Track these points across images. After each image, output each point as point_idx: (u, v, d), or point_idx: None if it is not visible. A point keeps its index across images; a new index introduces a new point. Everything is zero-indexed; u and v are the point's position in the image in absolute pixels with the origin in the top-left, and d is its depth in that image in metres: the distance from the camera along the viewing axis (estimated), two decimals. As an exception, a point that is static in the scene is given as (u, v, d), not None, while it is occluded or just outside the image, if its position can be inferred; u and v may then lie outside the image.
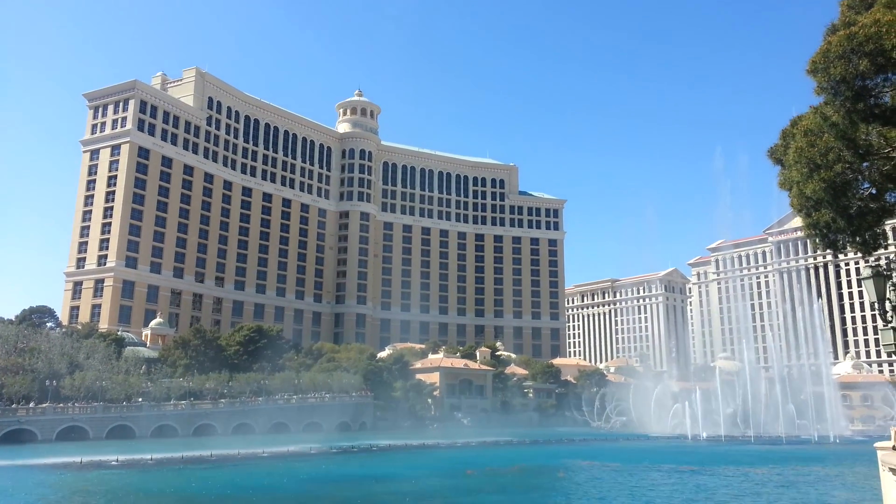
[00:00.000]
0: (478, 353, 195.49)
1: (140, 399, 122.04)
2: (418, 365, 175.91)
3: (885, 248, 26.69)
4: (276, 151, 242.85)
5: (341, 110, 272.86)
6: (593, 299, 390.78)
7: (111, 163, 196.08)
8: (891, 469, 17.33)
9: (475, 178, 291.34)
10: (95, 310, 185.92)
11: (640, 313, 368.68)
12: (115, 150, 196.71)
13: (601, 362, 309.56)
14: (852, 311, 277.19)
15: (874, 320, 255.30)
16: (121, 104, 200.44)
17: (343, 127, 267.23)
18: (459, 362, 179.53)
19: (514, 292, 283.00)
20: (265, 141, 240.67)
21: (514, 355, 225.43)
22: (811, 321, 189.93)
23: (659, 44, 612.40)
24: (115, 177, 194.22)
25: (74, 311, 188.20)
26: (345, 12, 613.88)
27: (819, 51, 20.63)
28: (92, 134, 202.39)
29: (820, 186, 22.35)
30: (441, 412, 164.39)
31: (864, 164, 22.71)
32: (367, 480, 60.40)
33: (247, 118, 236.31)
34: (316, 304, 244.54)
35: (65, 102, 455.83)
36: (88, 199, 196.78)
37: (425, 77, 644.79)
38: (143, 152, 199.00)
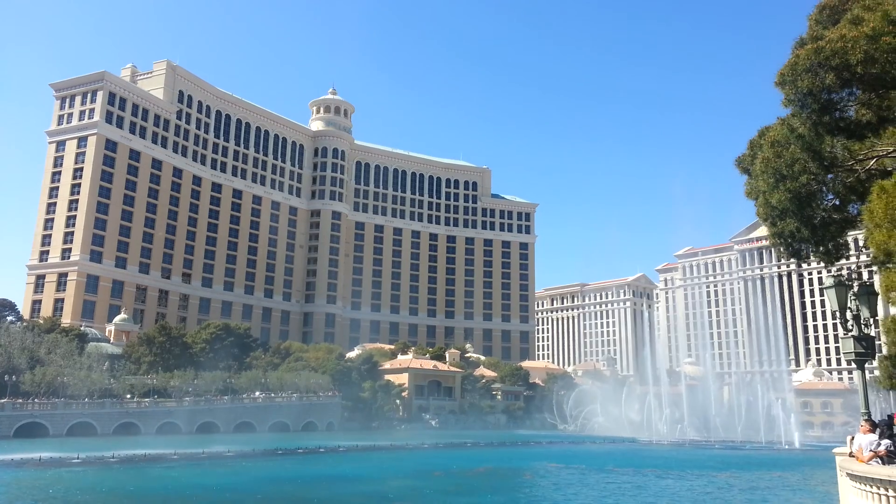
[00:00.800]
0: (447, 355, 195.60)
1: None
2: (387, 365, 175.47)
3: (847, 258, 27.37)
4: (247, 148, 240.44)
5: (314, 108, 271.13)
6: (562, 303, 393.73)
7: (77, 155, 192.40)
8: (848, 474, 17.78)
9: (448, 180, 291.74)
10: (58, 304, 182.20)
11: (607, 318, 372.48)
12: (82, 141, 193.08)
13: (569, 365, 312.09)
14: (814, 319, 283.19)
15: (835, 329, 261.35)
16: (89, 95, 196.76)
17: (316, 125, 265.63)
18: (428, 363, 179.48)
19: (484, 294, 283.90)
20: (236, 137, 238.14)
21: (483, 357, 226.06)
22: (774, 329, 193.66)
23: (636, 46, 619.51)
24: (82, 169, 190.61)
25: (36, 304, 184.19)
26: (319, 9, 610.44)
27: (787, 63, 21.09)
28: (58, 125, 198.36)
29: (785, 196, 22.85)
30: (409, 413, 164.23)
31: (829, 175, 23.25)
32: (334, 481, 60.06)
33: (218, 113, 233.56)
34: (285, 303, 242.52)
35: (31, 92, 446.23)
36: (53, 192, 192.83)
37: (400, 78, 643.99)
38: (111, 145, 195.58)
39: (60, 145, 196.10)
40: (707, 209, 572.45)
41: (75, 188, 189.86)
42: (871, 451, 16.96)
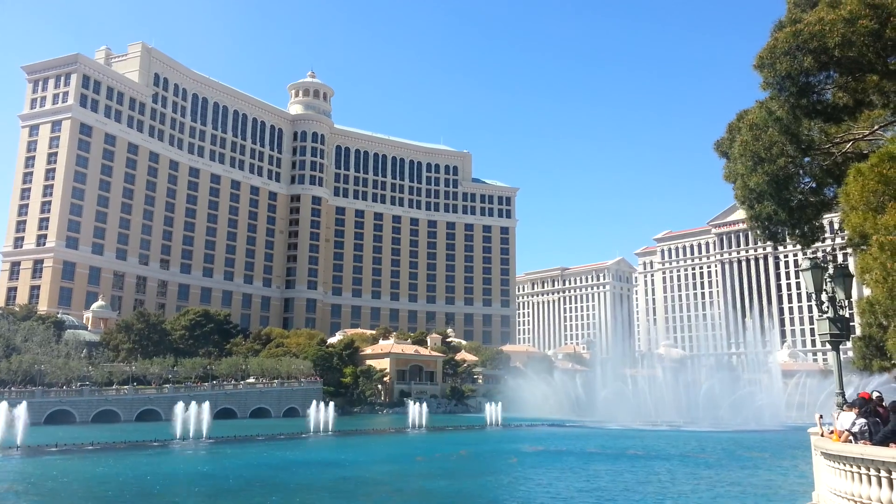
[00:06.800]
0: (428, 340, 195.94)
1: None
2: (369, 351, 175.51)
3: (823, 240, 27.65)
4: (225, 132, 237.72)
5: (293, 91, 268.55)
6: (543, 287, 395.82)
7: (52, 139, 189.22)
8: (822, 453, 18.06)
9: (429, 165, 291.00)
10: (34, 291, 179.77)
11: (588, 301, 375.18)
12: (56, 125, 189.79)
13: (550, 349, 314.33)
14: (790, 301, 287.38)
15: (810, 311, 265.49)
16: (62, 78, 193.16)
17: (295, 109, 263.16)
18: (410, 348, 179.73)
19: (465, 279, 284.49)
20: (214, 121, 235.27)
21: (464, 342, 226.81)
22: (750, 311, 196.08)
23: (614, 31, 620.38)
24: (56, 154, 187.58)
25: (12, 292, 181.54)
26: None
27: (766, 47, 21.14)
28: (31, 109, 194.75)
29: (763, 179, 23.00)
30: (391, 398, 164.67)
31: (806, 158, 23.43)
32: (315, 466, 60.11)
33: (195, 96, 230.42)
34: (265, 289, 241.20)
35: (2, 75, 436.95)
36: (27, 177, 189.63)
37: (379, 61, 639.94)
38: (86, 129, 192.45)
39: (34, 130, 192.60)
40: (686, 193, 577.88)
41: (50, 173, 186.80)
42: (845, 430, 17.24)
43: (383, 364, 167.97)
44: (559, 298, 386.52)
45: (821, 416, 21.13)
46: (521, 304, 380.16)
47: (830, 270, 21.77)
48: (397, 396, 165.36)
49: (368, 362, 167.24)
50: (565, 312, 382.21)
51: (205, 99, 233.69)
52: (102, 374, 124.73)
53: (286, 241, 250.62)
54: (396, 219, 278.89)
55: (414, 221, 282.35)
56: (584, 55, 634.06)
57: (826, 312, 21.53)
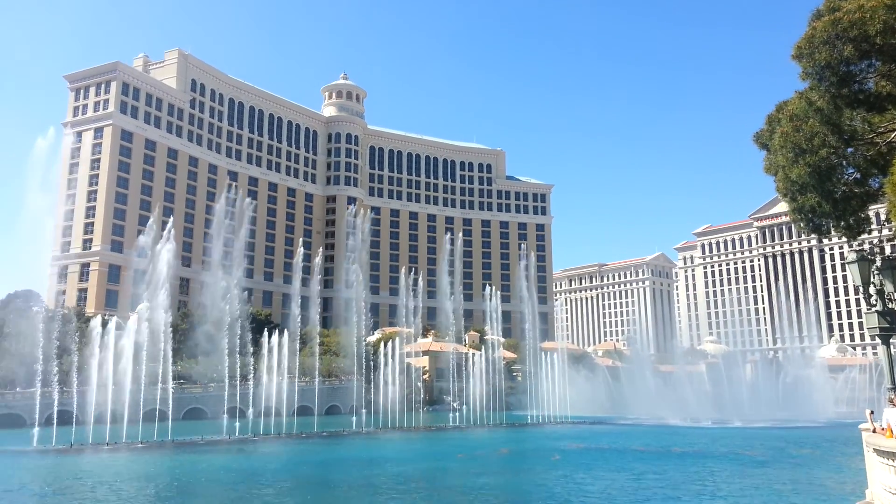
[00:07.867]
0: (466, 337, 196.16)
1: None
2: (407, 349, 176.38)
3: (869, 232, 26.98)
4: (261, 135, 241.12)
5: (327, 94, 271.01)
6: (581, 283, 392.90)
7: (94, 146, 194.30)
8: (875, 449, 17.70)
9: (462, 163, 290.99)
10: (81, 294, 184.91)
11: (627, 297, 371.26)
12: (98, 132, 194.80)
13: (589, 346, 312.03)
14: (836, 294, 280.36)
15: (858, 304, 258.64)
16: (103, 86, 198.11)
17: (329, 111, 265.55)
18: (448, 346, 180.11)
19: (501, 276, 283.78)
20: (250, 124, 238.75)
21: (502, 339, 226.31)
22: (796, 306, 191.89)
23: (649, 25, 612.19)
24: (99, 160, 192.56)
25: (60, 295, 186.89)
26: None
27: (804, 36, 20.74)
28: (74, 116, 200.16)
29: (805, 171, 22.55)
30: (431, 396, 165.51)
31: (849, 149, 22.91)
32: (359, 463, 60.74)
33: (231, 101, 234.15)
34: (304, 289, 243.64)
35: (46, 84, 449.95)
36: (72, 183, 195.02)
37: (412, 61, 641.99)
38: (126, 135, 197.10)
39: (77, 137, 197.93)
40: (725, 187, 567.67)
41: (93, 179, 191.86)
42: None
43: (422, 362, 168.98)
44: (597, 294, 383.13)
45: (871, 412, 20.70)
46: (558, 301, 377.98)
47: (878, 262, 21.31)
48: (436, 394, 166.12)
49: (407, 360, 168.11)
50: (604, 309, 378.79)
51: (241, 103, 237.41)
52: (149, 374, 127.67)
53: (323, 241, 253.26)
54: (431, 217, 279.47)
55: (449, 220, 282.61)
56: (618, 51, 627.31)
57: (874, 305, 21.10)
